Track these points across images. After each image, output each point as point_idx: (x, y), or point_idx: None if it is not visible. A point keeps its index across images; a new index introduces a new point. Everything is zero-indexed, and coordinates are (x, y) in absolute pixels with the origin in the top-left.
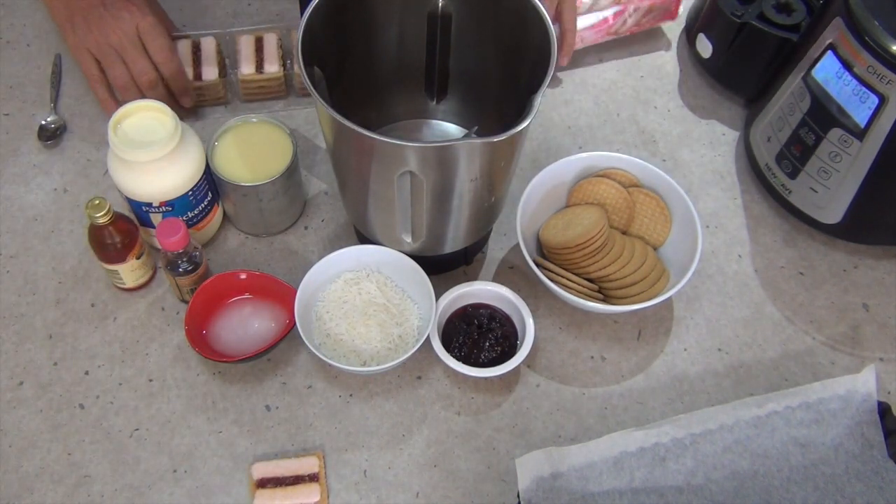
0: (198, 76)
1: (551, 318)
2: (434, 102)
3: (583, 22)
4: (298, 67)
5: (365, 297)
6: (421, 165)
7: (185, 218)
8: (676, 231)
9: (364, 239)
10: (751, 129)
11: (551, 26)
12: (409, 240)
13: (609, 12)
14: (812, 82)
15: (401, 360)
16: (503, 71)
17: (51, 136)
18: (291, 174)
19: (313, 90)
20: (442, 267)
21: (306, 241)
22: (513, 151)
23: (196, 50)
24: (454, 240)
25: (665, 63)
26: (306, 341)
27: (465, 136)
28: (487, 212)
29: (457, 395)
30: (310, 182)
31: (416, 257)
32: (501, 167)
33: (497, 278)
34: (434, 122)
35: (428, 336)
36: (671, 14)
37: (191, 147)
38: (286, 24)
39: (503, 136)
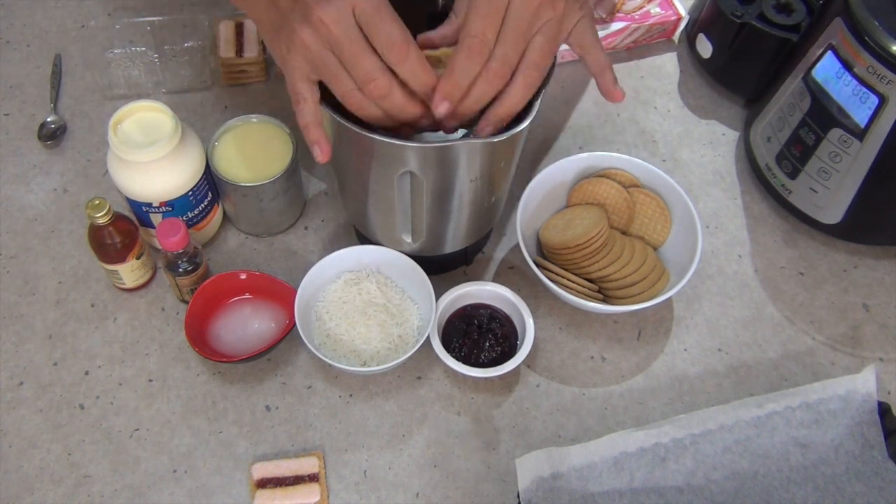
0: (240, 53)
1: (551, 318)
2: None
3: None
4: None
5: (365, 297)
6: (421, 165)
7: (185, 218)
8: (676, 231)
9: (364, 239)
10: (751, 129)
11: None
12: (409, 240)
13: (610, 30)
14: (812, 82)
15: (401, 360)
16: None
17: (51, 136)
18: (291, 174)
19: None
20: (442, 267)
21: (306, 241)
22: (513, 152)
23: (239, 31)
24: (454, 240)
25: (665, 63)
26: (306, 341)
27: (465, 137)
28: (487, 212)
29: (457, 395)
30: (310, 182)
31: (416, 257)
32: (501, 167)
33: (497, 278)
34: None
35: (428, 336)
36: (668, 34)
37: (191, 147)
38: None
39: (503, 137)
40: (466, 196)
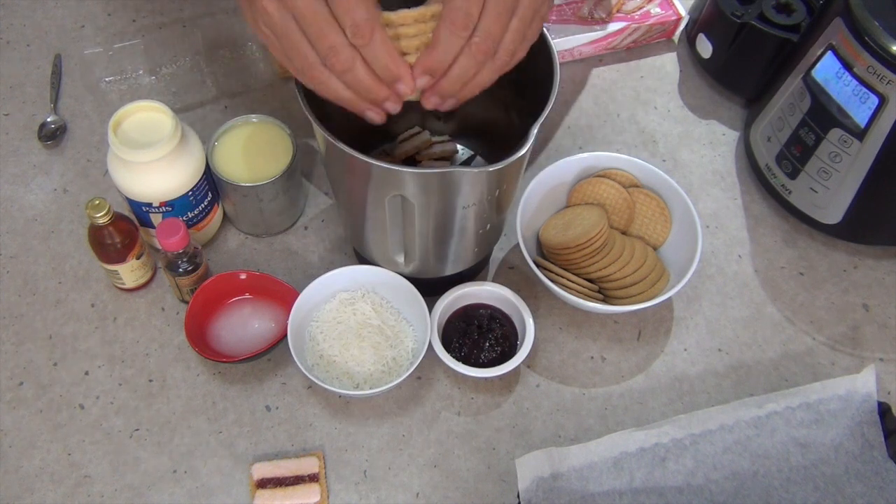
0: None
1: (551, 318)
2: (440, 121)
3: (583, 38)
4: (295, 80)
5: (360, 317)
6: (411, 190)
7: (185, 218)
8: (676, 231)
9: (361, 258)
10: (751, 130)
11: (556, 55)
12: (401, 261)
13: (610, 29)
14: (812, 82)
15: (394, 383)
16: (508, 95)
17: (51, 136)
18: (291, 174)
19: (306, 106)
20: (441, 290)
21: (306, 242)
22: (507, 181)
23: None
24: (449, 264)
25: (665, 63)
26: (298, 363)
27: (463, 163)
28: (483, 238)
29: (457, 395)
30: (310, 182)
31: (411, 279)
32: (496, 196)
33: (497, 278)
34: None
35: (422, 358)
36: (668, 34)
37: (191, 147)
38: None
39: (498, 166)
40: (460, 222)
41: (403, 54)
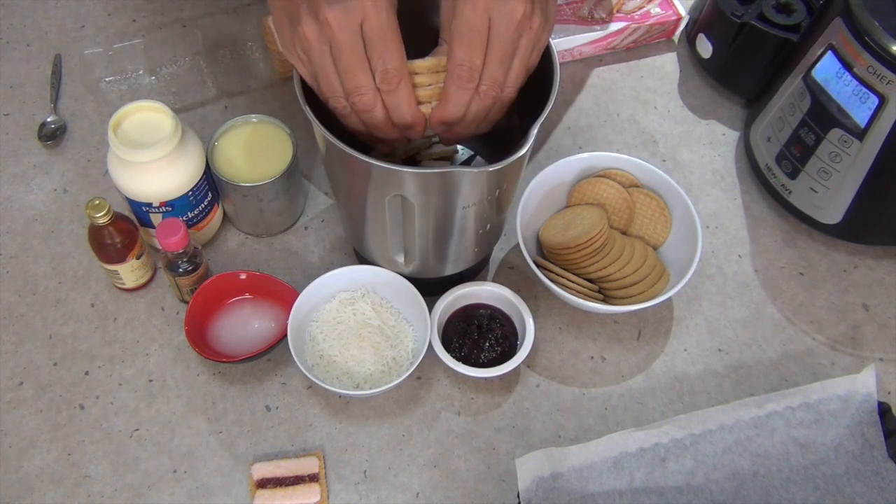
0: None
1: (551, 318)
2: None
3: (583, 38)
4: (294, 80)
5: (360, 317)
6: (411, 190)
7: (185, 218)
8: (676, 231)
9: (361, 258)
10: (751, 130)
11: (556, 56)
12: (401, 261)
13: (610, 29)
14: (812, 82)
15: (394, 383)
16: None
17: (51, 136)
18: (291, 174)
19: (306, 106)
20: (441, 290)
21: (306, 242)
22: (507, 181)
23: None
24: (449, 264)
25: (665, 63)
26: (298, 363)
27: (464, 163)
28: (484, 238)
29: (457, 395)
30: (310, 182)
31: (412, 279)
32: (496, 196)
33: (497, 278)
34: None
35: (422, 358)
36: (668, 34)
37: (191, 147)
38: None
39: (497, 166)
40: (460, 222)
41: (419, 103)
